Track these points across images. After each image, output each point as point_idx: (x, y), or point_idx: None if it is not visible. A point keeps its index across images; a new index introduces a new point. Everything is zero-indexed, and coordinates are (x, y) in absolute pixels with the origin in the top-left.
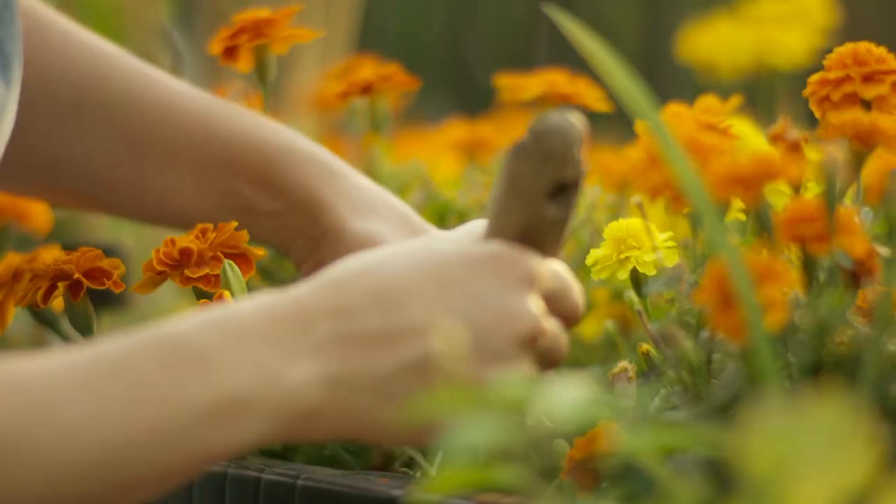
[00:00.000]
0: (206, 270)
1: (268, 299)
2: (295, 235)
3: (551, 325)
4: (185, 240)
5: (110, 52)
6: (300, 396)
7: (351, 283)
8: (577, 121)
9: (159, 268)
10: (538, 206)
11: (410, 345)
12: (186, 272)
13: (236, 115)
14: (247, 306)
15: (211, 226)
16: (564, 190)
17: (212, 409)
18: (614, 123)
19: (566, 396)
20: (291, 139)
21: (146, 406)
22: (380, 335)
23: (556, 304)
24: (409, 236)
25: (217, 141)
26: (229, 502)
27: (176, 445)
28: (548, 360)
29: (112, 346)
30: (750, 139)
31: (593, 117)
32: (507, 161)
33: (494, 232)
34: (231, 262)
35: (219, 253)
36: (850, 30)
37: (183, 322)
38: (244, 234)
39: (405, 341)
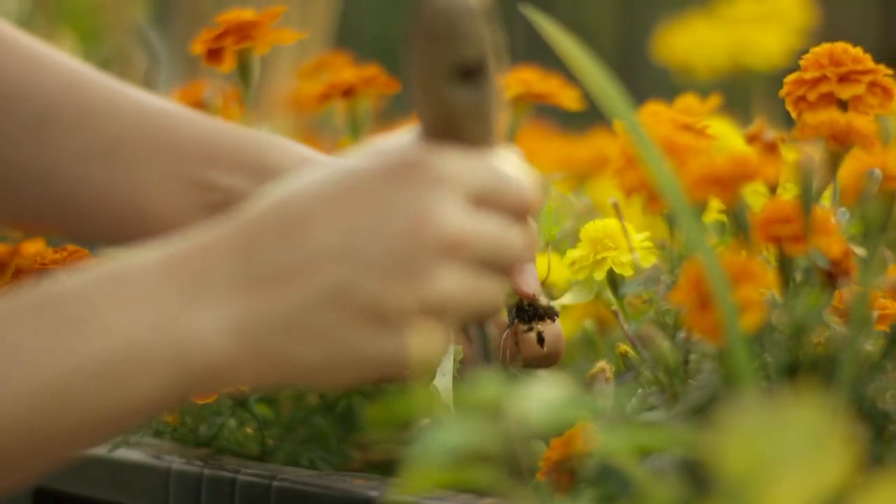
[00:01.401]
0: None
1: (168, 247)
2: None
3: (485, 226)
4: None
5: (79, 65)
6: (207, 348)
7: (253, 217)
8: None
9: None
10: (444, 93)
11: (321, 274)
12: None
13: (208, 116)
14: (142, 256)
15: None
16: (472, 73)
17: (100, 365)
18: (590, 123)
19: (542, 397)
20: (267, 133)
21: (28, 369)
22: (285, 269)
23: (493, 199)
24: None
25: (192, 135)
26: (205, 503)
27: (65, 408)
28: (496, 265)
29: None
30: (728, 140)
31: (569, 117)
32: (406, 50)
33: (416, 135)
34: None
35: None
36: (826, 30)
37: (70, 278)
38: None
39: (315, 271)
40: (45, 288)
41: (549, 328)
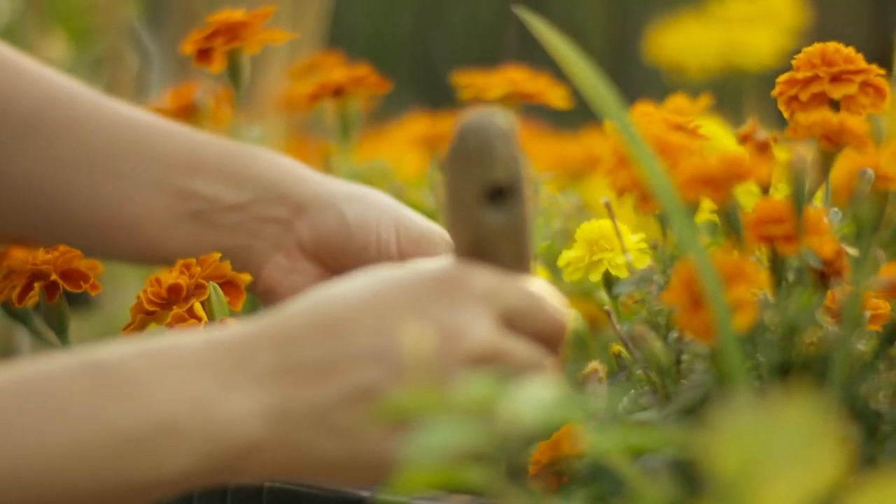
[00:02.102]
0: (193, 301)
1: (211, 330)
2: (259, 228)
3: (514, 347)
4: (172, 277)
5: (65, 79)
6: (237, 430)
7: (296, 313)
8: (499, 118)
9: (150, 308)
10: (476, 213)
11: (353, 373)
12: (175, 309)
13: (192, 128)
14: (187, 335)
15: (194, 260)
16: (505, 194)
17: (137, 435)
18: (582, 122)
19: (534, 397)
20: (250, 144)
21: (64, 427)
22: (321, 365)
23: (525, 322)
24: (389, 203)
25: (175, 145)
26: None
27: (96, 471)
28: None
29: (34, 366)
30: (720, 139)
31: (561, 116)
32: (441, 172)
33: (450, 250)
34: (216, 284)
35: (201, 281)
36: (818, 30)
37: (114, 347)
38: (227, 263)
39: (348, 370)
40: (87, 354)
41: None
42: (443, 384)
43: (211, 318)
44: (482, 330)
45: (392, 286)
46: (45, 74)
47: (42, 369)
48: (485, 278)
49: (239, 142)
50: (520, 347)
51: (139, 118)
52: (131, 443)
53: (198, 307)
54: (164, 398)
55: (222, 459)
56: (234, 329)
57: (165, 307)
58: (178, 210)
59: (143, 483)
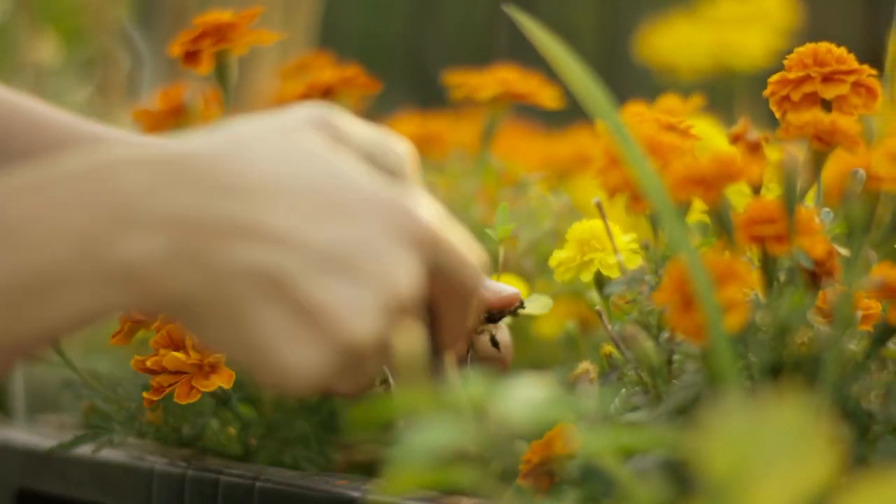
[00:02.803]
0: None
1: (96, 153)
2: None
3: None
4: None
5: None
6: (131, 266)
7: (233, 156)
8: None
9: (139, 316)
10: None
11: (274, 251)
12: (160, 322)
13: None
14: (85, 157)
15: None
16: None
17: (25, 282)
18: (572, 121)
19: (525, 397)
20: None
21: None
22: (245, 227)
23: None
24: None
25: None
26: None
27: None
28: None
29: None
30: (712, 140)
31: (551, 115)
32: None
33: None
34: None
35: None
36: (809, 31)
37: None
38: None
39: (270, 244)
40: None
41: (500, 333)
42: (354, 316)
43: None
44: (410, 278)
45: (342, 183)
46: None
47: None
48: (429, 215)
49: None
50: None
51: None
52: (17, 292)
53: None
54: (51, 243)
55: (111, 297)
56: (143, 153)
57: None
58: None
59: (30, 331)
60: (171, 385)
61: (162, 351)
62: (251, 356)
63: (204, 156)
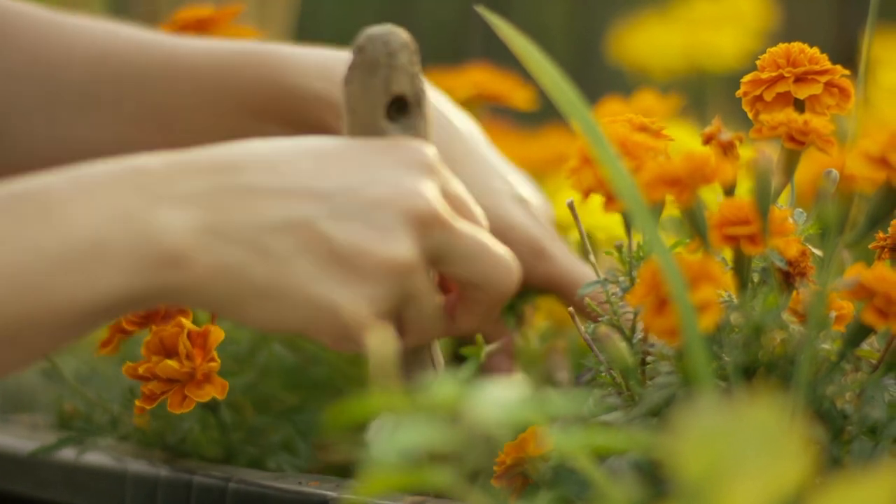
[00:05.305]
0: (171, 321)
1: (138, 159)
2: None
3: (457, 220)
4: None
5: (101, 27)
6: (164, 238)
7: (238, 148)
8: (400, 31)
9: (129, 327)
10: (378, 124)
11: (293, 204)
12: (154, 330)
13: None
14: (112, 162)
15: None
16: (405, 107)
17: (63, 256)
18: (547, 121)
19: (498, 398)
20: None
21: None
22: (261, 191)
23: (464, 208)
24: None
25: (235, 90)
26: None
27: (30, 294)
28: (452, 260)
29: None
30: (684, 143)
31: (525, 115)
32: (341, 90)
33: None
34: None
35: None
36: (782, 31)
37: (38, 177)
38: None
39: (288, 200)
40: (10, 186)
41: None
42: (381, 233)
43: (194, 317)
44: (428, 193)
45: (342, 144)
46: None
47: None
48: (433, 154)
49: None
50: (463, 224)
51: (185, 54)
52: (57, 264)
53: (183, 317)
54: (89, 218)
55: (151, 276)
56: (165, 156)
57: (143, 325)
58: None
59: (72, 307)
60: (163, 393)
61: (154, 358)
62: (303, 315)
63: (207, 152)
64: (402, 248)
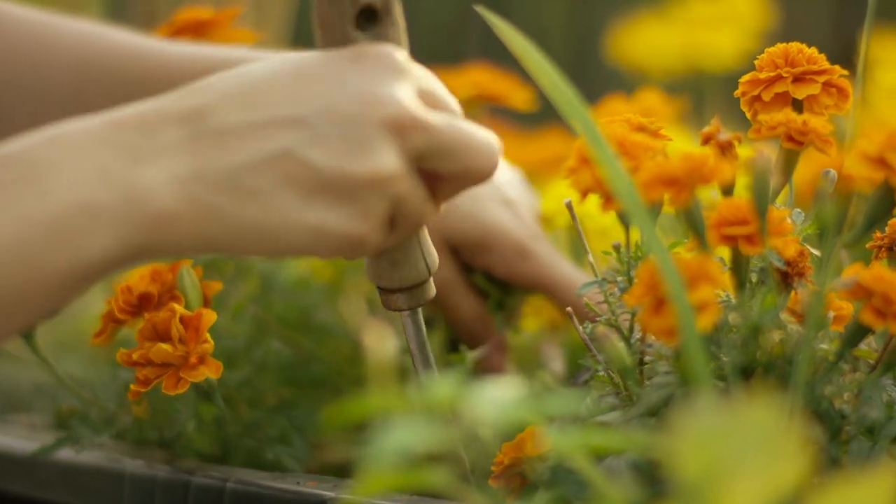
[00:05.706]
0: (164, 308)
1: (113, 111)
2: None
3: (434, 117)
4: (142, 284)
5: (88, 28)
6: (151, 198)
7: (207, 87)
8: None
9: (121, 317)
10: (348, 33)
11: (270, 137)
12: (147, 317)
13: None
14: (88, 119)
15: (166, 267)
16: (375, 15)
17: (53, 220)
18: (546, 122)
19: (495, 398)
20: None
21: None
22: (237, 129)
23: (438, 102)
24: None
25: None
26: None
27: (19, 261)
28: (435, 157)
29: None
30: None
31: (524, 116)
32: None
33: None
34: (188, 268)
35: (177, 293)
36: (780, 31)
37: (16, 140)
38: (199, 270)
39: (263, 135)
40: None
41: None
42: (361, 150)
43: (186, 304)
44: (406, 98)
45: (308, 59)
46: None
47: None
48: (401, 55)
49: None
50: (440, 118)
51: (170, 58)
52: (46, 228)
53: (176, 303)
54: (73, 179)
55: (140, 233)
56: (138, 108)
57: (136, 314)
58: None
59: (63, 270)
60: (157, 377)
61: (147, 343)
62: (302, 241)
63: (178, 97)
64: (383, 160)
